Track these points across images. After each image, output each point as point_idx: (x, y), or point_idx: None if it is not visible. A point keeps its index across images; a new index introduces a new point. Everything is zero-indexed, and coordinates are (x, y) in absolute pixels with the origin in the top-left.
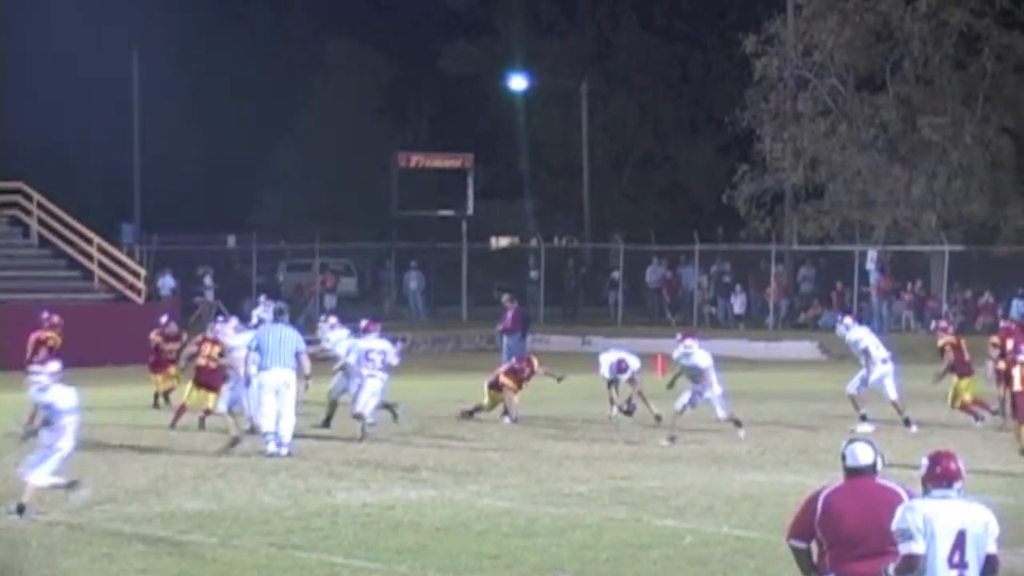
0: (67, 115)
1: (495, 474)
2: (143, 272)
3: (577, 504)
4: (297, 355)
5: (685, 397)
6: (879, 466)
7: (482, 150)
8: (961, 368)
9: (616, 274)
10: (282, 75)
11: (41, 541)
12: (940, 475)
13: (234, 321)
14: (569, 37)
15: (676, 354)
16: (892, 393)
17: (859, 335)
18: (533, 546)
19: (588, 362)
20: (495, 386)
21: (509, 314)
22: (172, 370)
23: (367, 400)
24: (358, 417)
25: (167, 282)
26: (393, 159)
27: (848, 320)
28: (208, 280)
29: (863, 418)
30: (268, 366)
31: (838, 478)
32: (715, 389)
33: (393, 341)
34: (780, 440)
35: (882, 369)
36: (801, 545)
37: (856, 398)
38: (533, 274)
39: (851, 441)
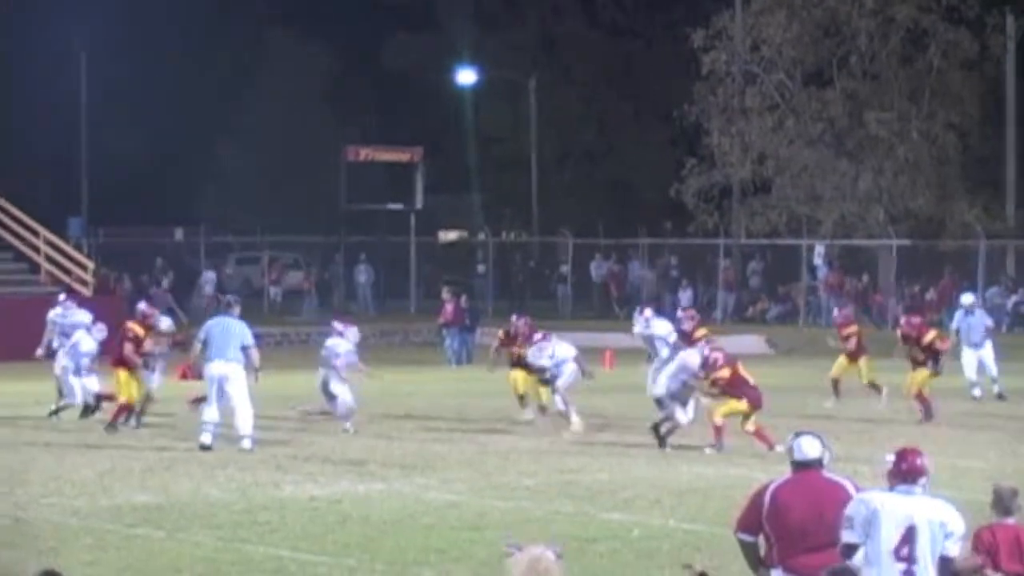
0: (14, 109)
1: (443, 468)
2: (91, 265)
3: (525, 498)
4: (244, 348)
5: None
6: (826, 460)
7: (430, 144)
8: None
9: (564, 268)
10: (227, 68)
11: None
12: (906, 471)
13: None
14: (514, 31)
15: (637, 328)
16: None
17: (665, 330)
18: (481, 539)
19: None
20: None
21: (449, 307)
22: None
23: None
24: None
25: (208, 277)
26: (342, 153)
27: (648, 313)
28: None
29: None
30: (212, 358)
31: (785, 472)
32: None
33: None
34: (728, 434)
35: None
36: (749, 539)
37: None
38: (481, 268)
39: (798, 435)
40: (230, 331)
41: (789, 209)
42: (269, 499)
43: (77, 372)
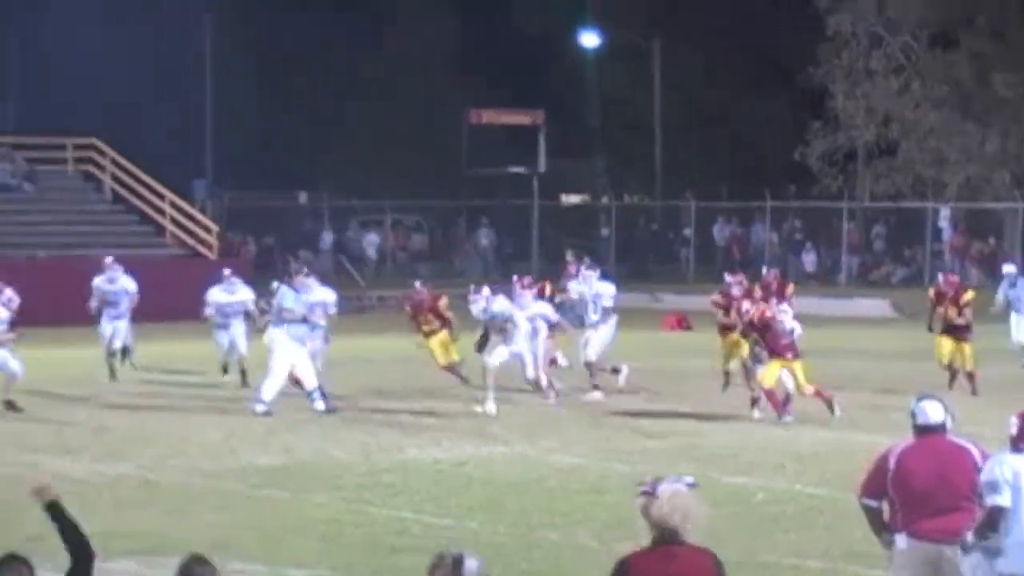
0: (140, 71)
1: (565, 431)
2: (215, 228)
3: (646, 461)
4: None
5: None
6: (949, 424)
7: (553, 107)
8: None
9: (687, 231)
10: (354, 31)
11: (113, 494)
12: None
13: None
14: None
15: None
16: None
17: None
18: (603, 502)
19: (659, 319)
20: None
21: (573, 271)
22: None
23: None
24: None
25: (372, 239)
26: (464, 115)
27: (586, 271)
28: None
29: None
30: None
31: (909, 436)
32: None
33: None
34: (851, 398)
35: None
36: (873, 504)
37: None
38: (604, 231)
39: (921, 399)
40: (283, 300)
41: (914, 172)
42: (393, 462)
43: None
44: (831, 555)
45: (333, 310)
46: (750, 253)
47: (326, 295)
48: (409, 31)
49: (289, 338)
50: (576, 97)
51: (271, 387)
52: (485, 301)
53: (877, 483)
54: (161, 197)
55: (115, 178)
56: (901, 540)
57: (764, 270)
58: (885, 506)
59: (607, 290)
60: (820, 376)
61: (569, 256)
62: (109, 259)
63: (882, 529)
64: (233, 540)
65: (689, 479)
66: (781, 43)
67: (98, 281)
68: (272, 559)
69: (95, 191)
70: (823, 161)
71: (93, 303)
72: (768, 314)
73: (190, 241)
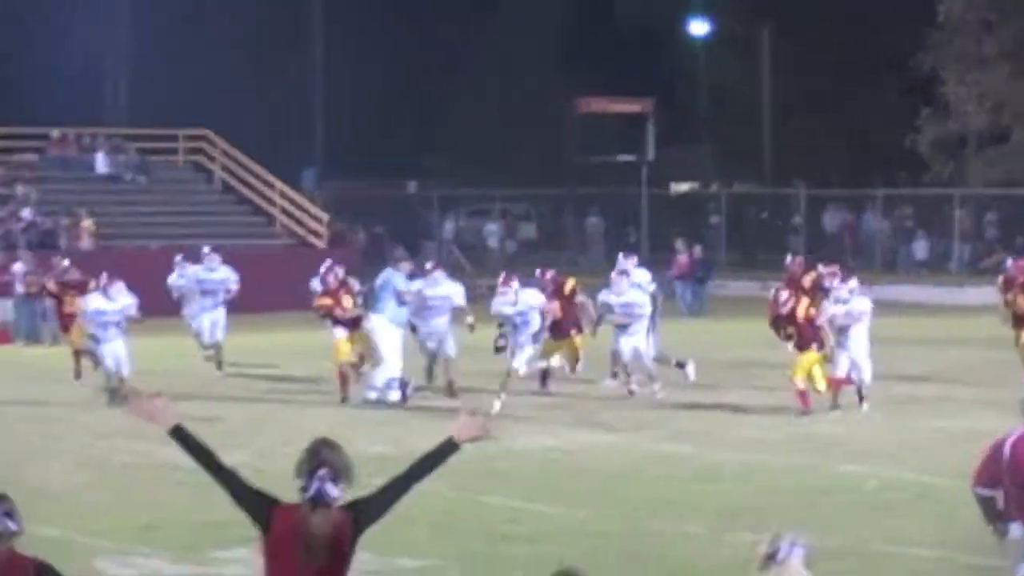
0: (248, 61)
1: (675, 420)
2: (325, 217)
3: (757, 450)
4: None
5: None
6: None
7: (662, 95)
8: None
9: (797, 219)
10: (462, 21)
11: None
12: None
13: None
14: None
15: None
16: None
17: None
18: (713, 491)
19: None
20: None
21: (683, 259)
22: None
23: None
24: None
25: (491, 229)
26: (573, 104)
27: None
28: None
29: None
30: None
31: (1020, 425)
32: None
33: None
34: (963, 387)
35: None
36: (987, 493)
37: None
38: (714, 219)
39: None
40: (387, 285)
41: None
42: (503, 450)
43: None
44: (944, 544)
45: (462, 302)
46: (861, 241)
47: (453, 289)
48: (517, 21)
49: (389, 322)
50: (685, 85)
51: (384, 374)
52: (514, 295)
53: (991, 472)
54: (271, 187)
55: (225, 168)
56: (1015, 529)
57: (788, 258)
58: (999, 495)
59: (638, 297)
60: (930, 365)
61: (679, 245)
62: (207, 248)
63: (996, 518)
64: None
65: (803, 544)
66: (891, 29)
67: (195, 270)
68: (383, 549)
69: (205, 182)
70: (934, 148)
71: (176, 293)
72: (801, 314)
73: (299, 231)
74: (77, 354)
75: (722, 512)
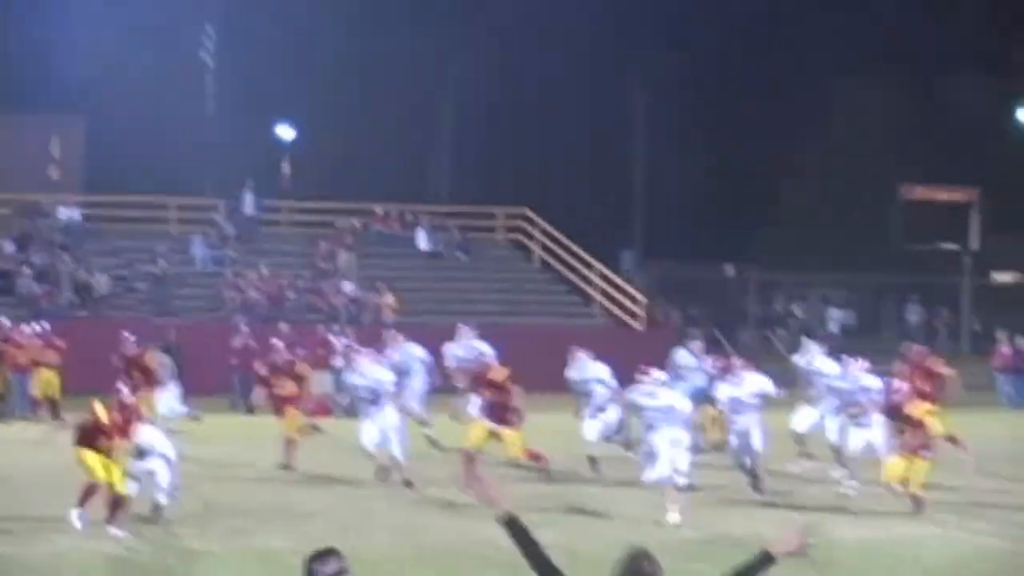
0: (564, 144)
1: (1001, 513)
2: (643, 299)
3: None
4: None
5: None
6: None
7: (988, 184)
8: None
9: None
10: (794, 112)
11: None
12: None
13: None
14: None
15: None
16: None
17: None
18: None
19: None
20: None
21: (1005, 351)
22: None
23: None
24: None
25: (834, 314)
26: (898, 191)
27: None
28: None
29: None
30: None
31: None
32: None
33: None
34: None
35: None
36: None
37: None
38: None
39: None
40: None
41: None
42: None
43: None
44: None
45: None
46: None
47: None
48: (848, 110)
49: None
50: (1012, 173)
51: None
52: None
53: None
54: (589, 267)
55: (544, 247)
56: None
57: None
58: None
59: (753, 386)
60: None
61: (1000, 335)
62: (464, 327)
63: None
64: None
65: None
66: None
67: (455, 348)
68: None
69: (524, 260)
70: None
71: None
72: (906, 411)
73: (617, 311)
74: (289, 443)
75: None
